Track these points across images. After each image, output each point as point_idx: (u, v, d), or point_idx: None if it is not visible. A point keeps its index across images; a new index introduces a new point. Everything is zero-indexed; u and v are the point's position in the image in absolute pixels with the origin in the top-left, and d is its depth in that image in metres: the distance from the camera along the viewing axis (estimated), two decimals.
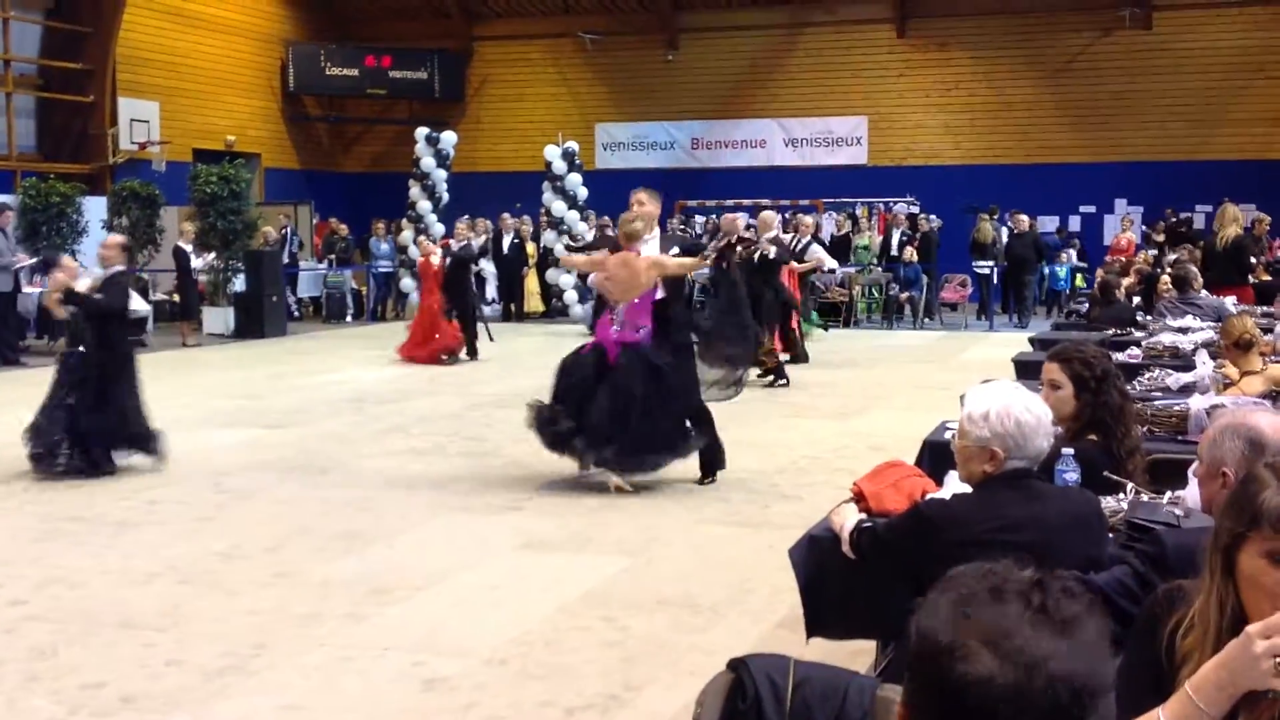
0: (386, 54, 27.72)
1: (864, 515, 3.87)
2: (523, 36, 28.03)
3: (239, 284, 19.56)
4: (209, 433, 10.62)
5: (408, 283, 22.08)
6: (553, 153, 21.84)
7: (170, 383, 13.75)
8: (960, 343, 18.15)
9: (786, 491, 8.41)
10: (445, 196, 22.46)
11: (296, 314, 22.72)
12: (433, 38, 28.19)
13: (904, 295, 21.10)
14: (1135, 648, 2.29)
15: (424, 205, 22.01)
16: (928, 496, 3.70)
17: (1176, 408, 5.29)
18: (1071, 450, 3.99)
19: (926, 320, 21.17)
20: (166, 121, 23.48)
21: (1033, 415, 3.28)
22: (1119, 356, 8.38)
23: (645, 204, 8.53)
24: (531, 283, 22.35)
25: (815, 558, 3.83)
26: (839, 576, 3.76)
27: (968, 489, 3.46)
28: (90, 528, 7.45)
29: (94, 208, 19.54)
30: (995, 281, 21.19)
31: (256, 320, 18.89)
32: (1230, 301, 11.08)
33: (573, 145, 22.10)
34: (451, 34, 28.23)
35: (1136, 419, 5.41)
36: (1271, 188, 22.20)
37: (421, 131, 22.45)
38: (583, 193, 21.84)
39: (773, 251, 13.83)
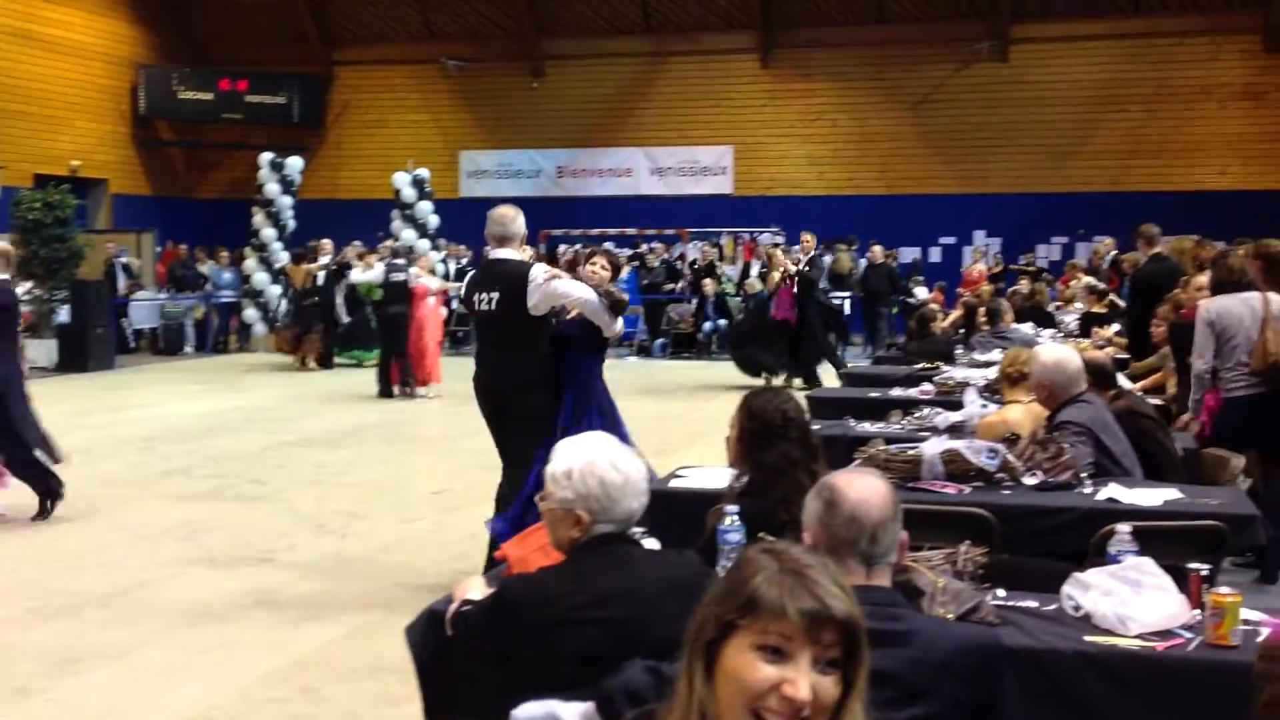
0: (243, 78, 26.90)
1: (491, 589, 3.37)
2: (385, 62, 27.35)
3: (64, 315, 18.60)
4: None
5: (250, 313, 21.25)
6: (401, 180, 21.17)
7: None
8: None
9: None
10: (292, 224, 21.65)
11: (134, 346, 21.73)
12: (292, 62, 27.42)
13: None
14: None
15: (268, 233, 21.24)
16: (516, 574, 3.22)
17: (910, 451, 4.88)
18: (736, 508, 3.57)
19: None
20: (4, 145, 22.44)
21: (619, 474, 2.88)
22: (912, 392, 8.05)
23: None
24: None
25: (435, 635, 3.32)
26: (461, 656, 3.26)
27: None
28: None
29: None
30: (848, 312, 21.00)
31: (80, 353, 17.94)
32: (1049, 334, 10.89)
33: (424, 172, 21.47)
34: (311, 58, 27.49)
35: (874, 465, 5.02)
36: (1124, 219, 22.28)
37: (266, 157, 21.68)
38: (433, 220, 21.20)
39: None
